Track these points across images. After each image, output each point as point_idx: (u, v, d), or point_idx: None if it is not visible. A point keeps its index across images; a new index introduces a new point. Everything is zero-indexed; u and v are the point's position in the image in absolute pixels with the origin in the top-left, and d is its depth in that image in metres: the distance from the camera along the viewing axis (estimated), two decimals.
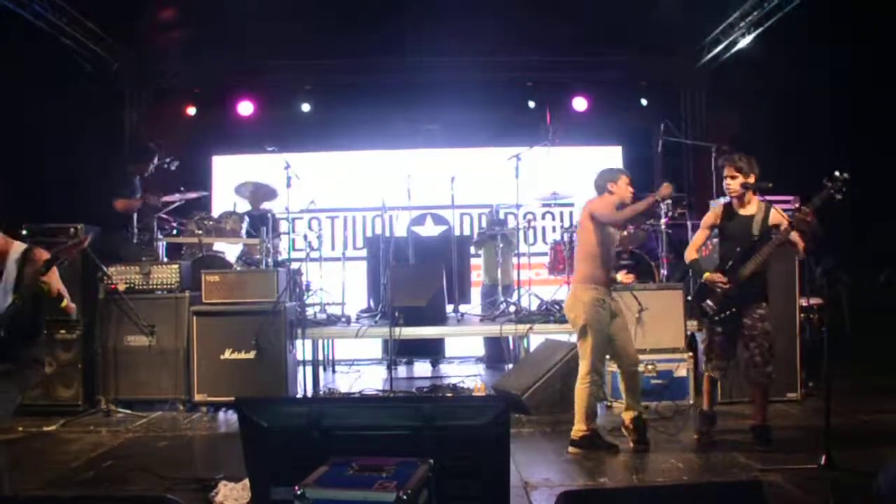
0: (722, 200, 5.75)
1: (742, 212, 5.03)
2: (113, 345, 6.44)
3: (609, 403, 6.36)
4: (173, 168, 7.59)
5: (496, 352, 8.65)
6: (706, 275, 5.01)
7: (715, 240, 5.42)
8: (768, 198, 5.24)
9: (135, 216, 7.29)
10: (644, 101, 10.20)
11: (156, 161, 7.44)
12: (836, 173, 4.55)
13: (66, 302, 3.87)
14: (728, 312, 4.97)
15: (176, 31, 8.64)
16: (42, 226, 6.47)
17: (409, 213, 9.17)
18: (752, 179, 4.95)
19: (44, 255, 3.75)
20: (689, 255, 5.20)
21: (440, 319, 7.22)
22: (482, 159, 10.04)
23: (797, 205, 6.32)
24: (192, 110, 10.03)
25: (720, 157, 5.09)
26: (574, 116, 10.06)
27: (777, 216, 4.98)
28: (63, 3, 7.83)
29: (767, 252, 4.84)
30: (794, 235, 4.74)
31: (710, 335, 5.11)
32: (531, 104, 10.09)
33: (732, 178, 4.96)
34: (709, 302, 5.03)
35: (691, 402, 6.26)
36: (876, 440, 5.06)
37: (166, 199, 7.35)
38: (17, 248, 3.82)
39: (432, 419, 2.44)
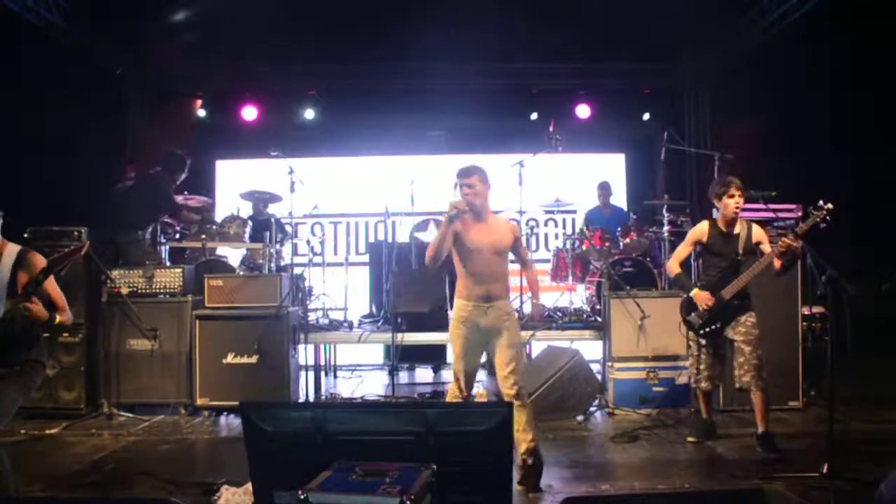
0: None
1: (728, 230, 5.13)
2: (115, 348, 6.45)
3: (611, 411, 6.35)
4: None
5: None
6: (694, 291, 5.13)
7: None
8: (772, 206, 5.26)
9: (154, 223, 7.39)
10: (646, 116, 10.24)
11: (187, 169, 7.48)
12: (821, 203, 4.64)
13: (59, 318, 3.71)
14: (714, 326, 5.11)
15: (179, 35, 8.68)
16: (45, 229, 6.48)
17: (412, 218, 9.18)
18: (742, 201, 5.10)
19: (40, 261, 3.66)
20: (673, 268, 5.29)
21: (442, 325, 7.19)
22: (485, 166, 10.01)
23: (800, 214, 6.34)
24: (195, 114, 10.07)
25: (724, 177, 5.16)
26: (577, 124, 10.08)
27: (760, 233, 5.12)
28: (67, 5, 7.86)
29: (752, 274, 4.95)
30: (776, 261, 4.86)
31: (698, 348, 5.23)
32: (534, 116, 10.11)
33: (738, 197, 5.03)
34: (695, 315, 5.14)
35: (692, 409, 6.25)
36: (878, 449, 5.03)
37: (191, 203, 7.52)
38: (12, 249, 3.69)
39: (436, 425, 2.44)
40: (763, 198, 5.37)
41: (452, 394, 4.67)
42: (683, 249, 5.32)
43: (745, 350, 4.98)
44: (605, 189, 8.99)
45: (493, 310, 4.43)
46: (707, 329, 5.12)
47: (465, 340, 4.49)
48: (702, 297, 5.07)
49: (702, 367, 5.22)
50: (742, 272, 5.00)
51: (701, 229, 5.23)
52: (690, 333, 5.30)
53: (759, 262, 4.95)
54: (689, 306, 5.21)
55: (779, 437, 5.11)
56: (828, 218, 4.61)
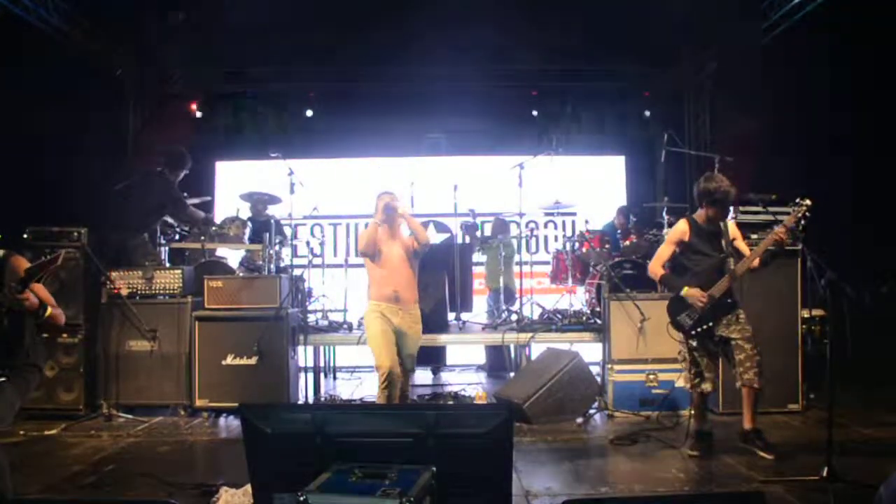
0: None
1: (708, 227, 5.05)
2: (115, 349, 6.45)
3: (610, 413, 6.35)
4: None
5: (497, 360, 8.63)
6: (685, 290, 4.98)
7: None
8: (772, 209, 5.24)
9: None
10: (647, 113, 10.24)
11: (189, 167, 7.47)
12: (798, 199, 4.65)
13: (49, 311, 3.68)
14: (705, 327, 4.98)
15: (180, 35, 8.68)
16: (45, 229, 6.48)
17: None
18: None
19: (22, 263, 3.63)
20: (657, 271, 5.16)
21: (442, 327, 7.23)
22: (485, 168, 10.06)
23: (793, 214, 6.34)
24: (195, 115, 10.07)
25: (721, 184, 5.02)
26: (577, 126, 10.08)
27: (734, 230, 5.08)
28: (67, 7, 7.86)
29: (738, 272, 4.89)
30: (757, 261, 4.84)
31: (690, 351, 5.11)
32: (535, 113, 10.13)
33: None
34: (685, 316, 5.02)
35: (693, 411, 6.23)
36: (878, 452, 5.04)
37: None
38: None
39: (435, 427, 2.44)
40: (762, 201, 5.32)
41: (381, 372, 5.55)
42: (665, 250, 5.19)
43: (745, 347, 4.88)
44: (624, 215, 9.02)
45: (404, 313, 5.79)
46: (698, 329, 4.98)
47: (381, 324, 5.68)
48: (695, 294, 4.91)
49: (701, 368, 5.08)
50: (726, 270, 4.94)
51: (682, 228, 5.10)
52: (679, 336, 5.14)
53: (743, 262, 4.89)
54: (677, 307, 5.07)
55: (778, 440, 5.12)
56: (807, 214, 4.60)
